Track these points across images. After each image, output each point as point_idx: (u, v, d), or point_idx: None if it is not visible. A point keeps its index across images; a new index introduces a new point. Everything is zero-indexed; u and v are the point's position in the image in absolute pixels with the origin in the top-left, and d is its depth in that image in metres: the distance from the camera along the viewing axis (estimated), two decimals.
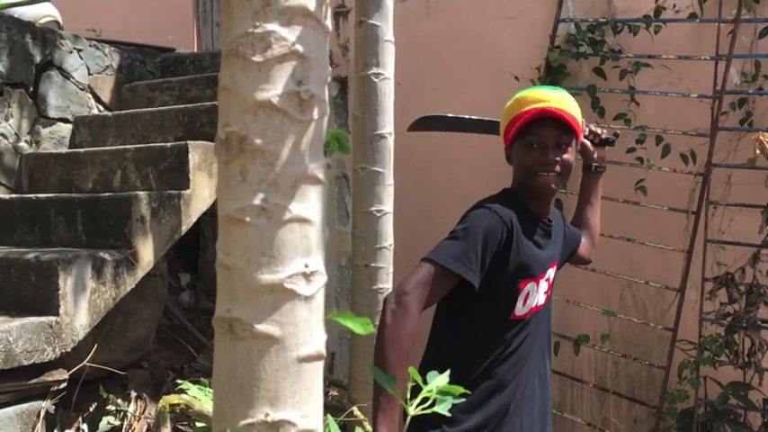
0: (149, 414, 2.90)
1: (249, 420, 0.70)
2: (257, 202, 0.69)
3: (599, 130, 1.91)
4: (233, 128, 0.70)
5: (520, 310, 1.61)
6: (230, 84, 0.70)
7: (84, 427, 2.67)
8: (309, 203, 0.72)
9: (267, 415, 0.69)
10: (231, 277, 0.72)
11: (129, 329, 3.04)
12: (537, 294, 1.64)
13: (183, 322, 4.03)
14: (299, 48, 0.70)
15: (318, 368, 0.74)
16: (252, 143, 0.69)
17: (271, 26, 0.69)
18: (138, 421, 2.80)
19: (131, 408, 2.89)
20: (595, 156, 1.93)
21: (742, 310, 2.78)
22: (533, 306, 1.64)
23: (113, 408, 2.87)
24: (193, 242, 4.22)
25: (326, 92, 0.75)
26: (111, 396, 2.82)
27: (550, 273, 1.69)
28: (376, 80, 2.65)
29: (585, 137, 1.89)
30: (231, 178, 0.71)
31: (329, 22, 0.74)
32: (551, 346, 1.78)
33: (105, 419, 2.77)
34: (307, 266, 0.72)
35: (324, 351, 0.73)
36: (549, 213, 1.70)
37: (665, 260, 3.09)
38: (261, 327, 0.70)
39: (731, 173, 2.98)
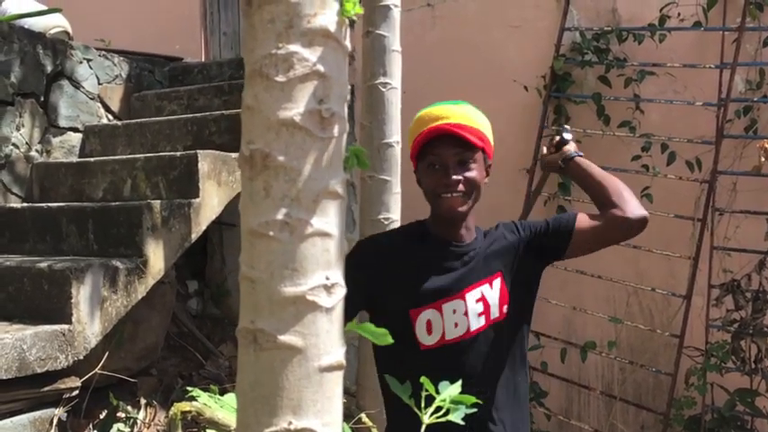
0: (159, 421, 2.92)
1: (273, 428, 0.72)
2: (280, 216, 0.72)
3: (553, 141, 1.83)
4: (257, 145, 0.72)
5: (426, 339, 1.51)
6: (254, 103, 0.73)
7: None
8: (330, 217, 0.74)
9: (290, 423, 0.72)
10: (255, 290, 0.74)
11: (138, 337, 3.06)
12: (452, 321, 1.52)
13: (191, 329, 4.06)
14: (321, 68, 0.72)
15: (338, 377, 0.76)
16: (275, 160, 0.72)
17: (293, 47, 0.72)
18: (148, 428, 2.82)
19: (141, 415, 2.91)
20: (560, 159, 1.79)
21: (748, 316, 2.79)
22: (456, 335, 1.52)
23: (123, 415, 2.89)
24: (201, 250, 4.25)
25: (345, 109, 0.77)
26: (120, 403, 2.84)
27: (472, 295, 1.54)
28: (383, 89, 2.68)
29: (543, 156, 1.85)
30: (255, 194, 0.73)
31: (348, 43, 0.77)
32: (516, 370, 1.58)
33: (115, 426, 2.79)
34: (327, 279, 0.74)
35: (344, 361, 0.75)
36: (463, 236, 1.58)
37: (671, 267, 3.11)
38: (284, 338, 0.72)
39: (737, 180, 3.00)
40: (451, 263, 1.55)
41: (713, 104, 3.04)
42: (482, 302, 1.54)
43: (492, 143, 1.60)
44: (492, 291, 1.55)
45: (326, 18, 0.74)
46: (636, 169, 3.11)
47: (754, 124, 3.04)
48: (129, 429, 2.83)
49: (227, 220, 4.09)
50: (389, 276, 1.51)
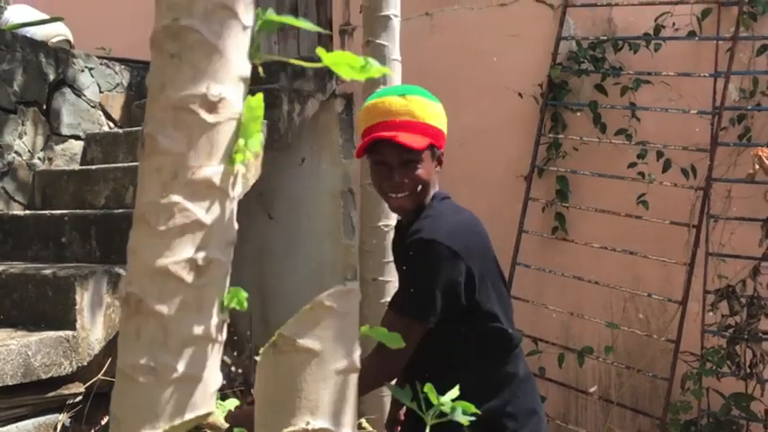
0: None
1: (291, 429, 0.75)
2: (146, 361, 0.74)
3: None
4: (133, 288, 0.75)
5: None
6: (136, 247, 0.76)
7: None
8: (197, 362, 0.77)
9: (308, 423, 0.75)
10: (119, 429, 0.77)
11: None
12: None
13: None
14: (202, 218, 0.75)
15: (354, 380, 0.79)
16: (147, 306, 0.74)
17: (176, 198, 0.73)
18: None
19: None
20: None
21: (743, 322, 2.83)
22: None
23: None
24: None
25: (230, 253, 0.80)
26: None
27: None
28: None
29: None
30: (127, 335, 0.76)
31: (239, 188, 0.80)
32: (443, 372, 1.48)
33: None
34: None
35: (358, 364, 0.78)
36: (410, 223, 1.60)
37: (667, 273, 3.15)
38: (302, 341, 0.75)
39: (731, 187, 3.04)
40: (399, 250, 1.63)
41: (708, 112, 3.09)
42: None
43: (443, 129, 1.60)
44: None
45: (212, 170, 0.76)
46: (632, 176, 3.16)
47: (747, 132, 3.08)
48: None
49: None
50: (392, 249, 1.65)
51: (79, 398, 2.33)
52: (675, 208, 3.12)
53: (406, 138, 1.50)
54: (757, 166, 2.75)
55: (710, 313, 2.92)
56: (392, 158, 1.53)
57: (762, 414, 2.85)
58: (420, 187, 1.55)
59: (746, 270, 2.85)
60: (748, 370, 2.82)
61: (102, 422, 2.90)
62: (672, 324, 3.03)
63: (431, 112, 1.57)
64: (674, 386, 2.93)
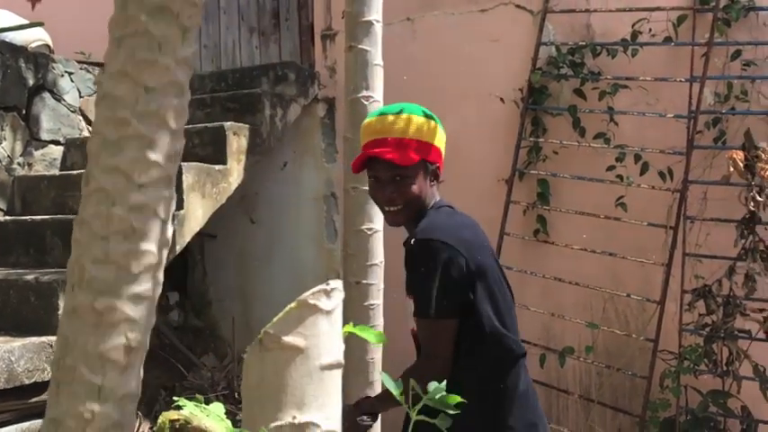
0: (144, 431, 2.93)
1: (278, 423, 0.77)
2: None
3: None
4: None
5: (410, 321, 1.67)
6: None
7: None
8: None
9: (294, 417, 0.77)
10: None
11: None
12: (410, 311, 1.66)
13: (172, 341, 4.07)
14: None
15: (338, 375, 0.81)
16: None
17: None
18: None
19: None
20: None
21: (720, 320, 2.88)
22: (412, 326, 1.66)
23: None
24: (181, 262, 4.26)
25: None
26: None
27: (409, 302, 1.65)
28: (366, 103, 2.73)
29: None
30: None
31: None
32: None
33: None
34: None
35: (342, 360, 0.80)
36: (411, 233, 1.68)
37: (645, 273, 3.20)
38: (288, 338, 0.77)
39: (707, 189, 3.10)
40: (406, 260, 1.67)
41: (684, 116, 3.15)
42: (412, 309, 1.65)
43: (438, 144, 1.69)
44: (411, 304, 1.64)
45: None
46: (610, 179, 3.21)
47: (722, 135, 3.15)
48: None
49: (209, 232, 4.11)
50: None
51: None
52: (653, 210, 3.17)
53: (395, 155, 1.58)
54: (732, 169, 2.82)
55: (688, 312, 2.97)
56: (383, 174, 1.63)
57: (738, 410, 2.91)
58: (411, 201, 1.63)
59: (722, 270, 2.90)
60: (725, 367, 2.87)
61: None
62: (650, 323, 3.08)
63: (424, 129, 1.64)
64: (653, 384, 2.98)
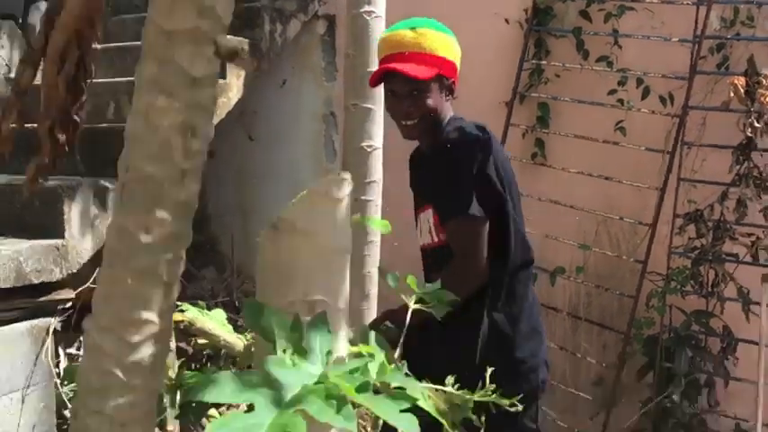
0: None
1: (291, 299, 0.82)
2: None
3: None
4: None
5: (418, 238, 1.74)
6: None
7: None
8: None
9: (305, 295, 0.82)
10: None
11: None
12: (421, 230, 1.72)
13: None
14: None
15: (345, 260, 0.86)
16: None
17: None
18: None
19: None
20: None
21: (708, 244, 2.96)
22: (424, 242, 1.72)
23: None
24: None
25: None
26: None
27: (425, 215, 1.70)
28: (368, 18, 2.70)
29: None
30: None
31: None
32: None
33: None
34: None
35: (350, 246, 0.85)
36: (425, 150, 1.75)
37: (639, 198, 3.25)
38: (300, 224, 0.82)
39: (706, 115, 3.12)
40: (419, 173, 1.74)
41: (688, 41, 3.12)
42: (428, 223, 1.71)
43: (453, 59, 1.71)
44: (430, 215, 1.70)
45: None
46: (611, 103, 3.21)
47: (726, 61, 3.14)
48: None
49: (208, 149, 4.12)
50: (410, 177, 1.75)
51: (69, 303, 2.40)
52: (651, 135, 3.19)
53: (411, 69, 1.60)
54: (732, 94, 2.83)
55: (678, 236, 3.05)
56: (400, 88, 1.65)
57: (720, 330, 3.02)
58: (427, 115, 1.66)
59: (715, 195, 2.96)
60: (710, 289, 2.97)
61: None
62: (641, 246, 3.16)
63: (440, 43, 1.67)
64: (640, 304, 3.08)
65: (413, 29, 1.67)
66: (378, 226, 0.92)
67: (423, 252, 1.76)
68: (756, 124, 2.75)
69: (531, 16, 3.40)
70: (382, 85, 1.75)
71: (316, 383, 0.65)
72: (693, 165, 3.13)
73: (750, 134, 2.78)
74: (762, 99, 2.73)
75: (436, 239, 1.70)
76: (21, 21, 3.22)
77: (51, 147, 0.95)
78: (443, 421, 0.94)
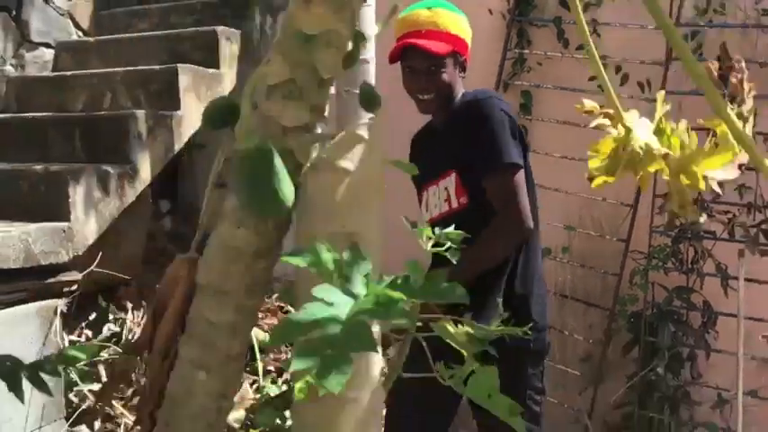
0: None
1: (330, 230, 0.91)
2: None
3: None
4: None
5: (424, 216, 1.83)
6: None
7: (88, 332, 2.86)
8: None
9: (343, 227, 0.91)
10: None
11: (120, 246, 3.19)
12: (428, 205, 1.82)
13: (166, 246, 4.19)
14: None
15: (378, 197, 0.95)
16: None
17: None
18: (139, 326, 3.00)
19: (129, 316, 3.08)
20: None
21: (688, 222, 3.09)
22: (434, 214, 1.79)
23: (112, 316, 3.06)
24: (171, 171, 4.34)
25: None
26: (111, 305, 3.00)
27: (444, 183, 1.78)
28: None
29: None
30: None
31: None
32: None
33: (106, 325, 2.95)
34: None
35: (383, 183, 0.94)
36: (439, 123, 1.83)
37: (621, 180, 3.36)
38: (339, 162, 0.91)
39: (682, 99, 3.25)
40: (434, 149, 1.81)
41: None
42: (445, 192, 1.79)
43: (465, 38, 1.82)
44: (450, 182, 1.78)
45: None
46: (592, 90, 3.34)
47: (699, 47, 3.28)
48: (119, 328, 3.00)
49: (198, 141, 4.17)
50: (414, 159, 1.80)
51: (75, 286, 2.46)
52: None
53: (429, 44, 1.71)
54: None
55: (658, 216, 3.18)
56: (418, 63, 1.74)
57: (700, 304, 3.16)
58: (443, 90, 1.76)
59: None
60: (690, 266, 3.10)
61: (90, 318, 3.04)
62: (623, 226, 3.28)
63: (454, 22, 1.79)
64: (623, 282, 3.21)
65: (428, 8, 1.78)
66: (406, 169, 1.00)
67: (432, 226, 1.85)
68: (730, 106, 2.89)
69: (514, 7, 3.52)
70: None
71: (365, 296, 0.73)
72: None
73: None
74: (734, 81, 2.87)
75: (455, 205, 1.77)
76: (14, 13, 3.26)
77: (150, 427, 1.05)
78: (464, 351, 1.03)
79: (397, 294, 0.71)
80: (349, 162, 0.91)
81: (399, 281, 0.78)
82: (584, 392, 3.30)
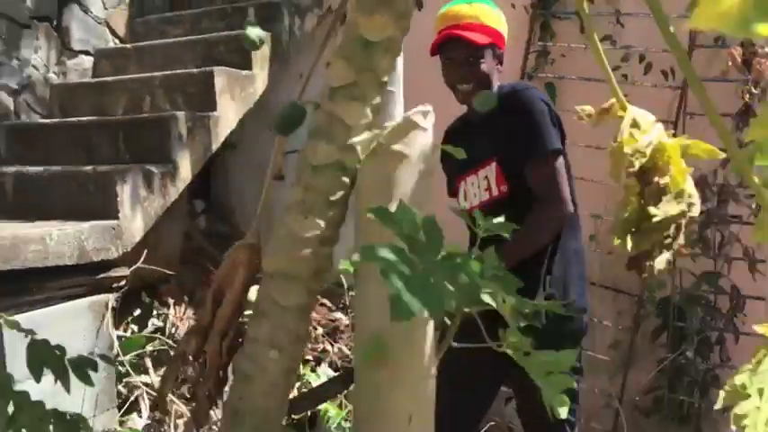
0: (189, 316, 3.22)
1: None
2: None
3: None
4: None
5: (463, 205, 1.89)
6: None
7: (134, 326, 2.98)
8: None
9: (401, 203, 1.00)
10: None
11: (160, 245, 3.32)
12: (466, 194, 1.88)
13: (202, 245, 4.32)
14: None
15: (429, 180, 1.04)
16: None
17: None
18: (182, 321, 3.12)
19: (172, 311, 3.20)
20: None
21: (714, 207, 3.14)
22: (474, 203, 1.85)
23: (155, 312, 3.18)
24: (205, 171, 4.46)
25: None
26: (154, 301, 3.13)
27: (484, 172, 1.85)
28: None
29: None
30: None
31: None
32: None
33: (150, 321, 3.08)
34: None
35: (433, 167, 1.03)
36: (476, 116, 1.88)
37: None
38: (395, 147, 1.00)
39: (706, 86, 3.30)
40: (473, 139, 1.85)
41: (687, 16, 3.30)
42: (485, 181, 1.86)
43: (503, 32, 1.89)
44: (490, 170, 1.85)
45: None
46: (616, 79, 3.39)
47: (722, 35, 3.32)
48: (162, 323, 3.12)
49: (230, 141, 4.29)
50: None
51: (124, 281, 2.58)
52: (655, 107, 3.28)
53: (469, 35, 1.79)
54: (730, 63, 3.01)
55: None
56: (458, 54, 1.81)
57: (728, 289, 3.20)
58: (481, 80, 1.83)
59: (718, 161, 3.13)
60: (717, 250, 3.14)
61: (134, 314, 3.17)
62: None
63: (493, 16, 1.87)
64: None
65: (468, 3, 1.86)
66: (455, 153, 1.09)
67: (468, 213, 1.92)
68: (754, 91, 2.93)
69: (537, 0, 3.59)
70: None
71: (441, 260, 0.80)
72: (696, 134, 3.30)
73: (748, 101, 2.96)
74: (758, 67, 2.92)
75: (496, 193, 1.84)
76: (55, 23, 3.39)
77: (208, 406, 1.14)
78: (510, 320, 1.10)
79: (475, 264, 0.79)
80: (405, 147, 0.99)
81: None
82: (613, 378, 3.36)
